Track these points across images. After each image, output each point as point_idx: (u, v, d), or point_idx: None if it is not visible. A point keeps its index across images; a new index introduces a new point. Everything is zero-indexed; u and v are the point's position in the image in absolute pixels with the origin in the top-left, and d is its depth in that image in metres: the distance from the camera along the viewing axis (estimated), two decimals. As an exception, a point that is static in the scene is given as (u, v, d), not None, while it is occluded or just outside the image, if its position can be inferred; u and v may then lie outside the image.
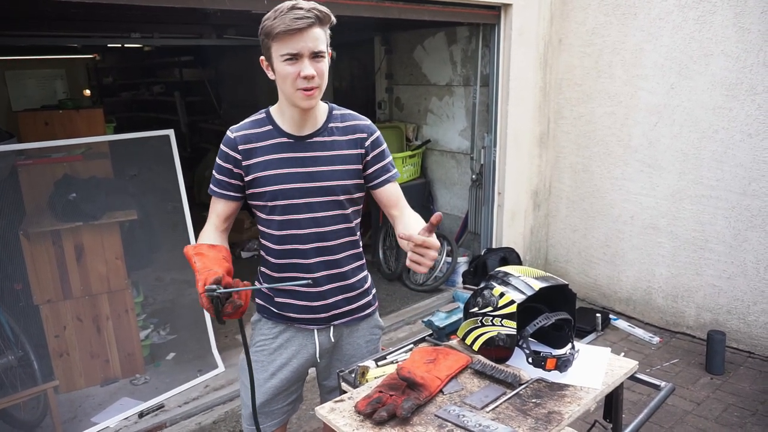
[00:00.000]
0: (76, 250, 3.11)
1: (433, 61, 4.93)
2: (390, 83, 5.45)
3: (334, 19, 1.49)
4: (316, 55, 1.46)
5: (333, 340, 1.73)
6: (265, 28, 1.45)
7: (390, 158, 1.70)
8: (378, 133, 1.68)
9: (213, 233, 1.62)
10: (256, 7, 2.85)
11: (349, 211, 1.66)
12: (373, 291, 1.84)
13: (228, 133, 1.61)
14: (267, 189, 1.57)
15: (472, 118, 4.57)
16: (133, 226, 3.43)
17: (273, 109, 1.63)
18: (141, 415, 2.97)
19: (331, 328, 1.72)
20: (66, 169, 3.13)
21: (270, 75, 1.53)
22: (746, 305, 3.55)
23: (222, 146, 1.60)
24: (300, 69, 1.44)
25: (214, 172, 1.63)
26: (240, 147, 1.57)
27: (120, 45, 6.93)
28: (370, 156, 1.64)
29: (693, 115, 3.63)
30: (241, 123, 1.63)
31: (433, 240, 1.35)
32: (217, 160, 1.62)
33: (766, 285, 3.45)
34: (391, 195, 1.68)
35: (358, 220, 1.72)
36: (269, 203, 1.59)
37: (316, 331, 1.70)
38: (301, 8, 1.42)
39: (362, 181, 1.66)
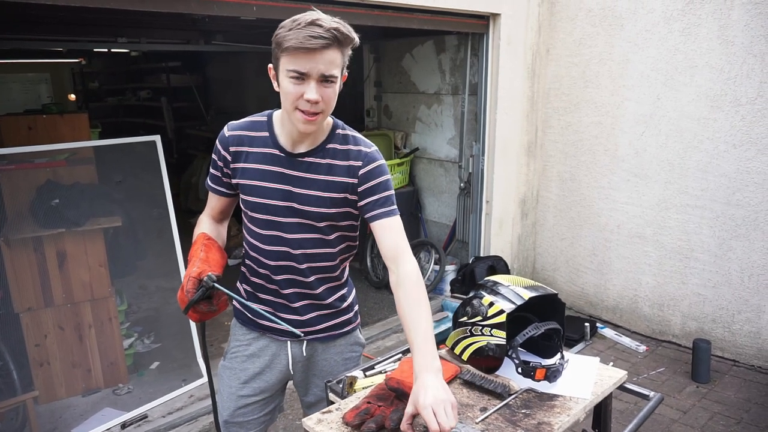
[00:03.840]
0: (59, 257, 3.05)
1: (422, 69, 4.94)
2: (378, 91, 5.45)
3: (356, 41, 1.38)
4: (325, 79, 1.33)
5: (305, 354, 1.66)
6: (277, 38, 1.33)
7: (387, 193, 1.50)
8: (377, 163, 1.50)
9: (210, 223, 1.65)
10: (245, 13, 2.83)
11: (331, 237, 1.55)
12: (355, 308, 1.73)
13: (225, 129, 1.56)
14: (249, 198, 1.54)
15: (460, 127, 4.58)
16: (117, 232, 3.38)
17: (276, 116, 1.53)
18: (124, 425, 2.92)
19: (304, 342, 1.65)
20: (49, 174, 3.08)
21: (275, 86, 1.42)
22: (731, 314, 3.58)
23: (217, 142, 1.57)
24: (304, 90, 1.32)
25: (210, 166, 1.63)
26: (231, 148, 1.53)
27: (107, 50, 6.87)
28: (363, 187, 1.48)
29: (678, 125, 3.67)
30: (241, 121, 1.56)
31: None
32: (213, 155, 1.60)
33: (750, 294, 3.48)
34: (386, 238, 1.47)
35: (344, 245, 1.60)
36: (249, 212, 1.56)
37: (289, 342, 1.65)
38: (320, 26, 1.29)
39: (356, 211, 1.54)
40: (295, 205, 1.50)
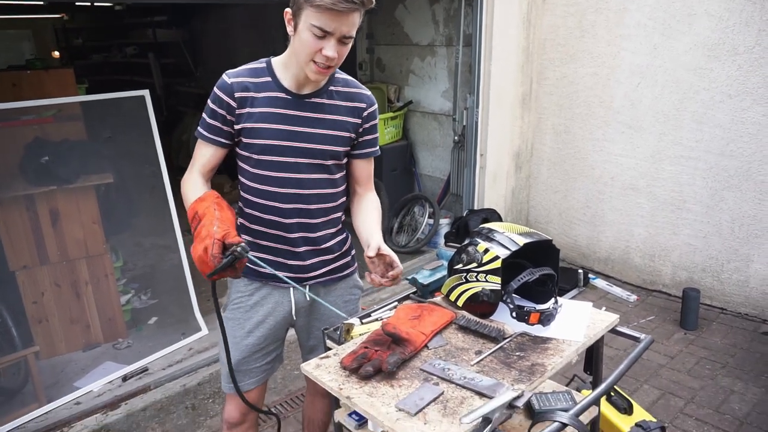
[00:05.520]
0: (51, 214, 3.03)
1: (415, 20, 4.82)
2: (371, 43, 5.33)
3: (374, 3, 1.44)
4: (344, 38, 1.41)
5: (308, 299, 1.72)
6: None
7: (377, 134, 1.72)
8: (376, 106, 1.68)
9: (202, 183, 1.58)
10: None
11: (336, 176, 1.65)
12: (353, 252, 1.83)
13: (224, 77, 1.55)
14: (257, 141, 1.55)
15: (454, 79, 4.52)
16: (109, 190, 3.35)
17: (276, 61, 1.57)
18: (125, 378, 2.97)
19: (307, 287, 1.70)
20: (37, 131, 3.03)
21: (289, 30, 1.46)
22: (720, 263, 3.64)
23: (217, 90, 1.55)
24: (324, 46, 1.40)
25: (204, 116, 1.58)
26: (236, 94, 1.53)
27: (89, 3, 6.64)
28: (363, 127, 1.65)
29: (675, 75, 3.63)
30: (239, 69, 1.58)
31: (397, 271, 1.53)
32: (210, 104, 1.56)
33: (739, 244, 3.53)
34: (365, 170, 1.73)
35: (344, 186, 1.72)
36: (255, 156, 1.57)
37: (291, 289, 1.69)
38: None
39: (350, 149, 1.66)
40: (307, 145, 1.57)
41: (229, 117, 1.55)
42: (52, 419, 2.70)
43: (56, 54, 8.22)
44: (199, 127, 1.60)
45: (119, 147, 3.39)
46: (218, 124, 1.56)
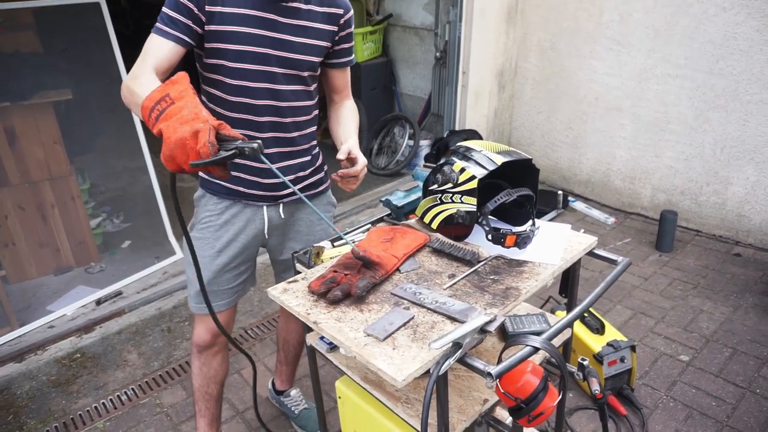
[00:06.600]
0: (7, 133, 2.86)
1: (396, -77, 4.47)
2: (349, -50, 4.96)
3: None
4: None
5: (283, 216, 1.68)
6: None
7: (354, 42, 1.67)
8: (352, 11, 1.60)
9: (155, 81, 1.28)
10: None
11: (311, 88, 1.59)
12: (325, 167, 1.79)
13: None
14: (233, 47, 1.41)
15: (437, -10, 4.25)
16: (69, 107, 3.16)
17: None
18: (98, 302, 2.94)
19: (281, 204, 1.66)
20: (-17, 42, 2.80)
21: None
22: (699, 186, 3.62)
23: None
24: None
25: (165, 9, 1.37)
26: None
27: None
28: (340, 35, 1.58)
29: (668, -14, 3.44)
30: None
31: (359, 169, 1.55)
32: None
33: (720, 166, 3.50)
34: (341, 79, 1.69)
35: (318, 97, 1.66)
36: (230, 63, 1.44)
37: (265, 207, 1.64)
38: None
39: (324, 59, 1.60)
40: (288, 54, 1.47)
41: (197, 12, 1.37)
42: (26, 342, 2.68)
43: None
44: (158, 23, 1.38)
45: (77, 61, 3.16)
46: (183, 19, 1.36)
